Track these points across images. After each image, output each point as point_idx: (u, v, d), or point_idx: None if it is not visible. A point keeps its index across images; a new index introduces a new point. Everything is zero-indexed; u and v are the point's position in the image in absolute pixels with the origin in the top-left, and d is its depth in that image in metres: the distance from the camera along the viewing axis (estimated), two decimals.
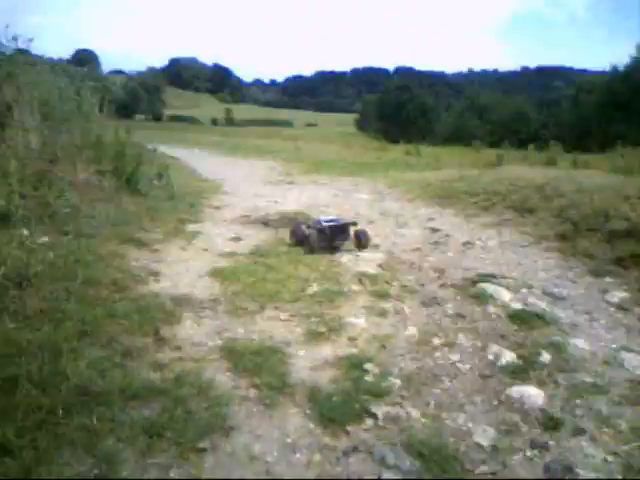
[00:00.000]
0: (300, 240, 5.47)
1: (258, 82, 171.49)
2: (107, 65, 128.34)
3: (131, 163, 7.41)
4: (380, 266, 4.88)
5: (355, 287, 4.31)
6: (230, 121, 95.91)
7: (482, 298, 4.15)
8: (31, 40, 9.56)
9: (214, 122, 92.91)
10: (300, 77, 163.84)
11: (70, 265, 4.14)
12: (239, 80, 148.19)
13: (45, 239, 4.60)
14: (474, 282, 4.47)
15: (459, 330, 3.65)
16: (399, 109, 58.74)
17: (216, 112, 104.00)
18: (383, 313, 3.85)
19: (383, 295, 4.17)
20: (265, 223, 6.54)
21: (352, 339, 3.43)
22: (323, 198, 9.11)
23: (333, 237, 5.43)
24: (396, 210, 7.63)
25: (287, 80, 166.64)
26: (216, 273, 4.51)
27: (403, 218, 7.04)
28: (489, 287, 4.34)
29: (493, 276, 4.64)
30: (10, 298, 3.43)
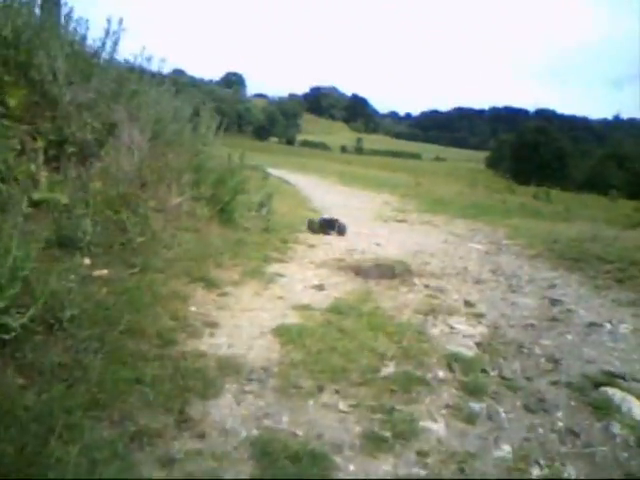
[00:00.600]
0: (310, 228, 8.62)
1: (393, 114, 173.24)
2: (251, 88, 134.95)
3: (231, 190, 7.03)
4: (479, 345, 4.01)
5: (442, 374, 3.48)
6: (359, 150, 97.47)
7: (605, 410, 3.18)
8: (163, 61, 9.64)
9: (343, 150, 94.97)
10: (436, 112, 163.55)
11: (119, 306, 3.68)
12: (374, 111, 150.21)
13: (104, 272, 4.20)
14: (596, 384, 3.50)
15: (568, 456, 2.75)
16: (534, 151, 56.42)
17: (347, 140, 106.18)
18: (471, 418, 3.00)
19: (475, 390, 3.30)
20: (356, 271, 5.84)
21: (422, 454, 2.63)
22: (431, 244, 8.28)
23: (325, 227, 8.62)
24: (512, 268, 6.64)
25: (422, 114, 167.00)
26: (281, 332, 3.86)
27: (518, 280, 6.05)
28: (616, 394, 3.35)
29: (622, 377, 3.62)
30: (32, 345, 2.98)
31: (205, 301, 4.33)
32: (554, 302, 5.22)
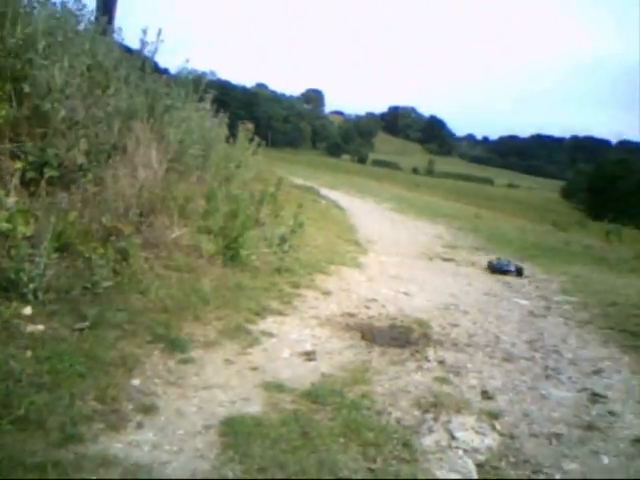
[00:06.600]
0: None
1: (470, 137, 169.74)
2: (330, 105, 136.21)
3: (240, 223, 6.33)
4: (481, 468, 3.08)
5: None
6: (430, 172, 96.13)
7: None
8: (213, 73, 9.29)
9: (414, 171, 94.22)
10: (514, 137, 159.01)
11: (33, 380, 3.03)
12: (451, 133, 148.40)
13: (39, 327, 3.57)
14: None
15: None
16: (611, 184, 53.69)
17: (420, 161, 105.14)
18: None
19: None
20: (364, 334, 5.00)
21: None
22: (470, 295, 7.31)
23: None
24: (555, 340, 5.58)
25: (500, 139, 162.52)
26: (230, 427, 3.09)
27: (558, 359, 5.01)
28: None
29: None
30: None
31: (157, 371, 3.62)
32: (595, 398, 4.20)
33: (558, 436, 3.57)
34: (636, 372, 4.84)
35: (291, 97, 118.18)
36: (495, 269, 9.69)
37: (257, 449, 2.89)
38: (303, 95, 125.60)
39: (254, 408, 3.37)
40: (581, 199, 61.79)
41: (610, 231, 21.85)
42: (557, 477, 3.10)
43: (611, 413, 3.98)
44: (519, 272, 9.52)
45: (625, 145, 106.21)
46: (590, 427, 3.74)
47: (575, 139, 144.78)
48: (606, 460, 3.34)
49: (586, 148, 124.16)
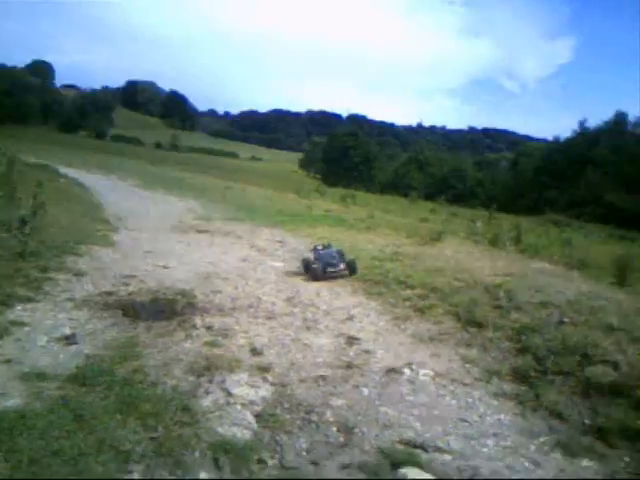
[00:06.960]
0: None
1: (212, 112, 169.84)
2: (62, 78, 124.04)
3: None
4: (259, 418, 3.26)
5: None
6: (174, 147, 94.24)
7: None
8: None
9: (158, 146, 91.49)
10: (255, 112, 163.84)
11: None
12: (193, 108, 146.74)
13: None
14: (394, 463, 2.92)
15: None
16: (343, 154, 58.71)
17: (163, 137, 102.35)
18: None
19: None
20: (125, 311, 4.83)
21: None
22: (228, 262, 7.50)
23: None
24: (310, 295, 6.06)
25: (241, 113, 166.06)
26: None
27: (315, 311, 5.45)
28: (417, 477, 2.81)
29: (423, 448, 3.10)
30: None
31: None
32: (351, 340, 4.67)
33: (324, 378, 3.91)
34: (382, 314, 5.47)
35: (14, 69, 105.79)
36: (316, 272, 6.83)
37: (24, 442, 2.65)
38: (29, 67, 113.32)
39: (14, 401, 3.07)
40: (318, 168, 66.73)
41: (345, 196, 23.99)
42: (328, 417, 3.38)
43: (365, 351, 4.47)
44: (352, 269, 6.97)
45: (354, 119, 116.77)
46: (349, 366, 4.16)
47: (310, 113, 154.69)
48: (366, 392, 3.76)
49: (321, 122, 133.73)
